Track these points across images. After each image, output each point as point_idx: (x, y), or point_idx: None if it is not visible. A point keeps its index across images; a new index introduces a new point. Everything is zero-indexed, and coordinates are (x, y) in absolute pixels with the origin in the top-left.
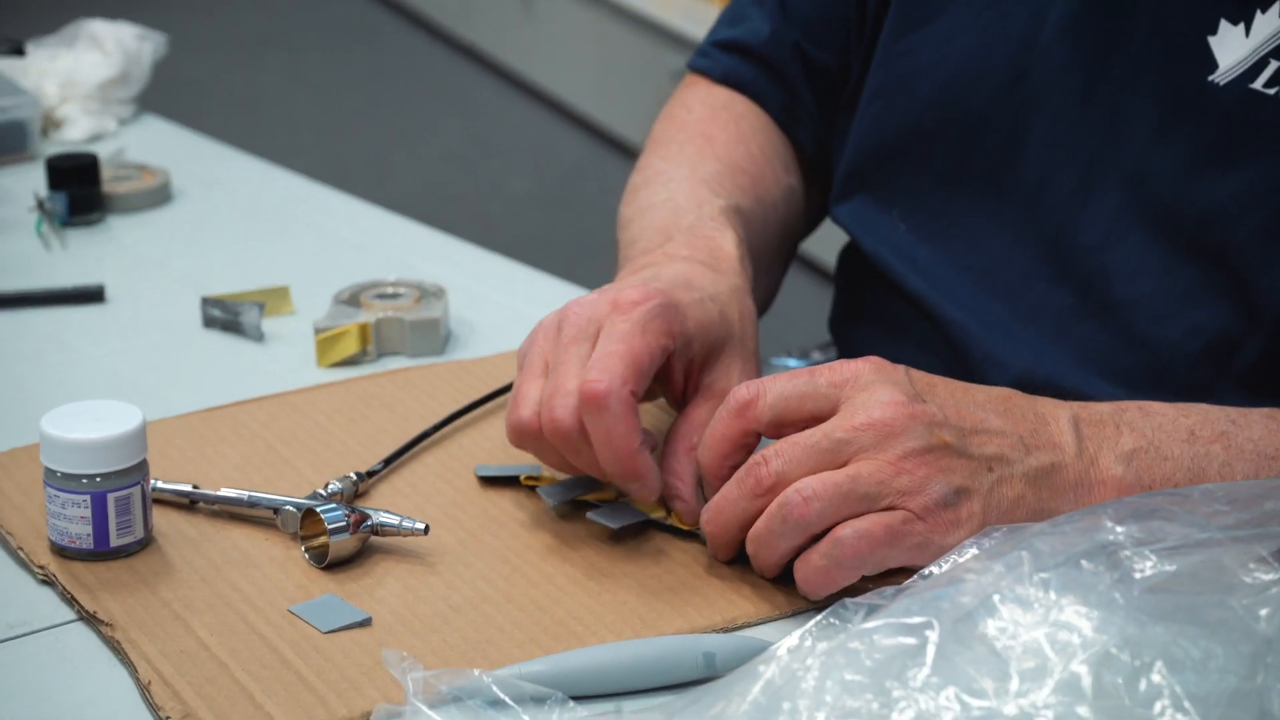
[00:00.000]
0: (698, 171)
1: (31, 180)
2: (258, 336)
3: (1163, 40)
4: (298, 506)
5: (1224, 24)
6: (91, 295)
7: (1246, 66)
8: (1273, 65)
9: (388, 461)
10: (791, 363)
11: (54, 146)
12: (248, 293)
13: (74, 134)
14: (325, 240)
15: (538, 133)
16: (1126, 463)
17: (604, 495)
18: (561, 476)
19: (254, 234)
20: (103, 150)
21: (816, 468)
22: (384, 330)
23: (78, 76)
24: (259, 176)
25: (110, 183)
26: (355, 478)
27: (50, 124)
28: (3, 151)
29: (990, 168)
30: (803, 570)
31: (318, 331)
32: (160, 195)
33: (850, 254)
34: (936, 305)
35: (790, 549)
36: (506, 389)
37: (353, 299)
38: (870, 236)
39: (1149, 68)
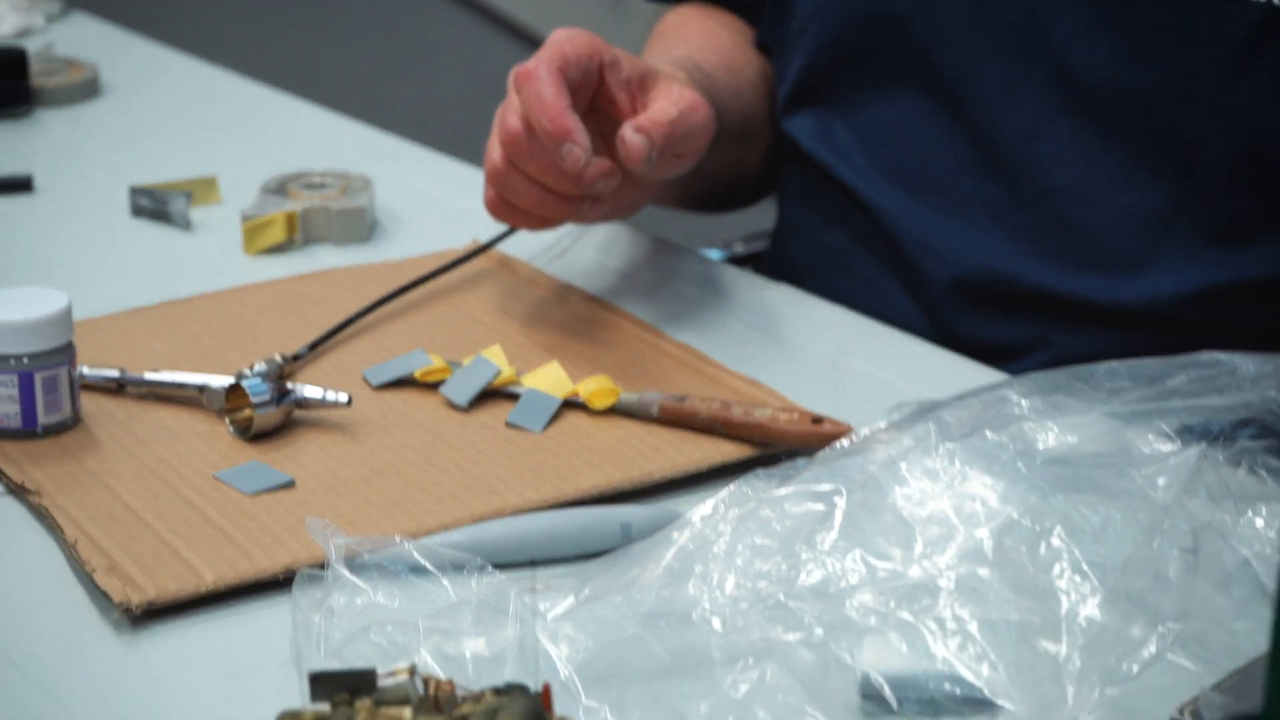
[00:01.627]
0: (666, 55)
1: None
2: (185, 225)
3: None
4: (223, 385)
5: None
6: (19, 185)
7: None
8: None
9: (312, 346)
10: (713, 254)
11: None
12: (176, 182)
13: (1, 29)
14: (254, 134)
15: (469, 38)
16: None
17: (507, 378)
18: (443, 365)
19: (182, 127)
20: (30, 46)
21: None
22: (310, 219)
23: None
24: (188, 72)
25: (38, 76)
26: (280, 360)
27: None
28: None
29: (920, 68)
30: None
31: (245, 219)
32: (88, 89)
33: (793, 154)
34: (872, 199)
35: None
36: (426, 278)
37: (280, 189)
38: (812, 140)
39: None
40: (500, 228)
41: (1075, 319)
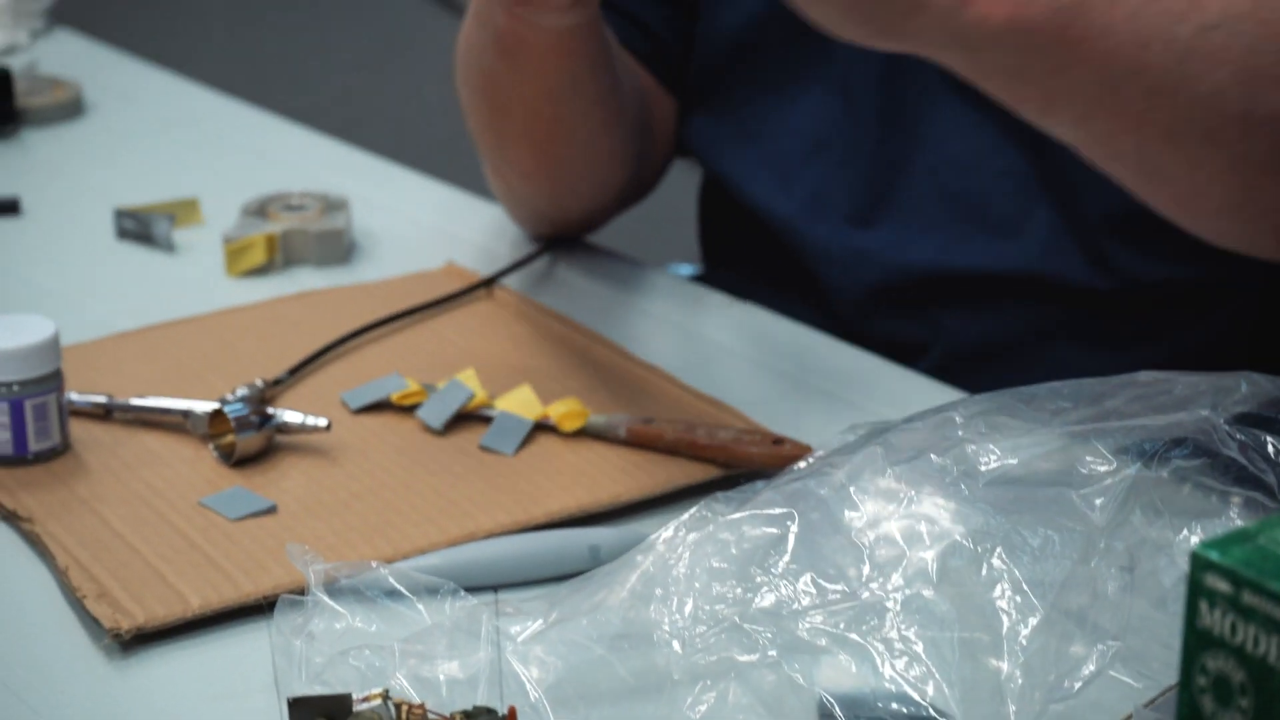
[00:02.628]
0: None
1: None
2: (169, 247)
3: None
4: (206, 410)
5: None
6: (6, 207)
7: None
8: None
9: (292, 371)
10: (683, 269)
11: None
12: (159, 204)
13: None
14: (234, 152)
15: (448, 42)
16: None
17: (481, 401)
18: (418, 388)
19: (165, 146)
20: (15, 63)
21: None
22: (290, 240)
23: None
24: (170, 89)
25: (24, 96)
26: (261, 385)
27: None
28: None
29: (811, 60)
30: None
31: (226, 242)
32: (73, 108)
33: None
34: (767, 206)
35: None
36: (402, 314)
37: (260, 210)
38: (705, 143)
39: None
40: (484, 260)
41: (969, 294)
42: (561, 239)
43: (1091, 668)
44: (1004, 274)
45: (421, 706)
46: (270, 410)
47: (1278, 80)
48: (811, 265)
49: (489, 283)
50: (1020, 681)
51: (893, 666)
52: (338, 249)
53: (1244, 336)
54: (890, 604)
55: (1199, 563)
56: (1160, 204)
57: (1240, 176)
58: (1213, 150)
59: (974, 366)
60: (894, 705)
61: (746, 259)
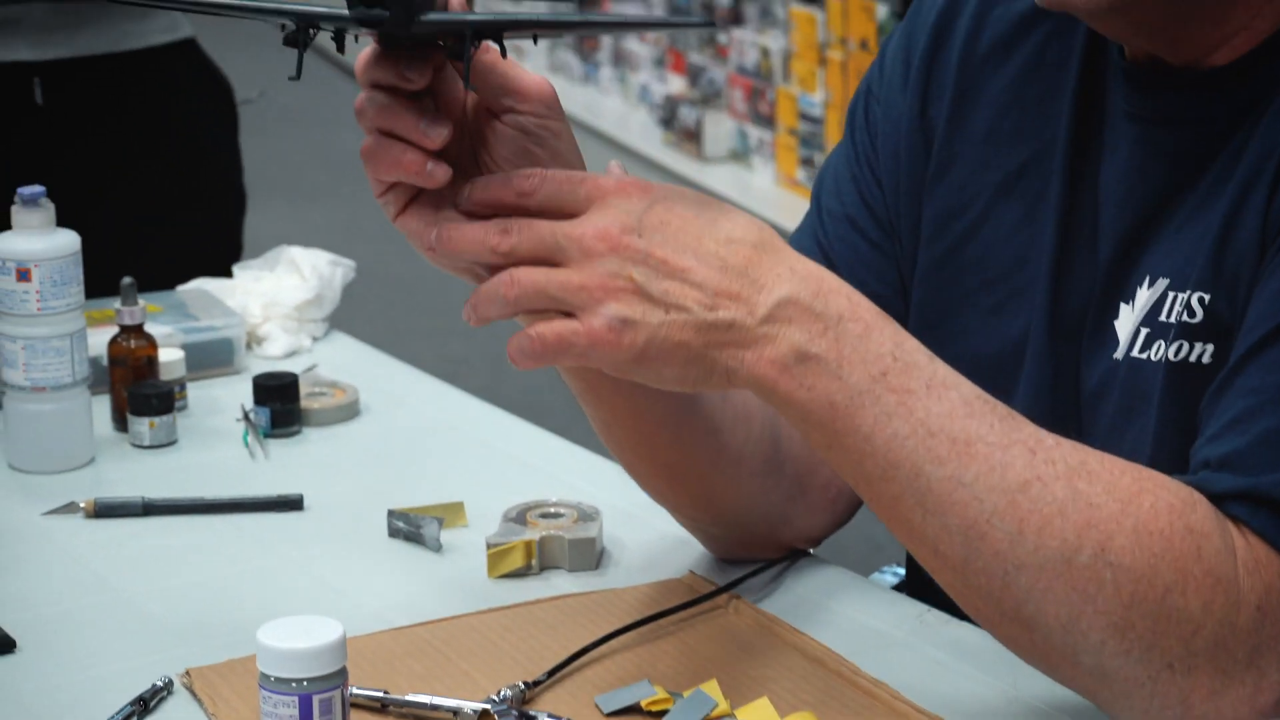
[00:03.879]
0: None
1: (237, 393)
2: (436, 548)
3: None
4: (475, 710)
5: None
6: (292, 504)
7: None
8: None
9: (551, 673)
10: (889, 575)
11: (256, 361)
12: (428, 507)
13: (273, 350)
14: (496, 458)
15: None
16: (800, 360)
17: (723, 711)
18: (665, 695)
19: (433, 449)
20: (298, 365)
21: (537, 255)
22: (546, 546)
23: (278, 298)
24: (438, 394)
25: (306, 399)
26: (522, 686)
27: (253, 340)
28: (213, 365)
29: None
30: (510, 345)
31: (489, 546)
32: (349, 411)
33: None
34: None
35: (499, 315)
36: (649, 619)
37: (520, 517)
38: None
39: None
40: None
41: None
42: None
43: None
44: None
45: None
46: (531, 712)
47: (996, 551)
48: None
49: (726, 589)
50: None
51: None
52: (590, 556)
53: None
54: None
55: None
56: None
57: (964, 597)
58: (940, 564)
59: None
60: None
61: None
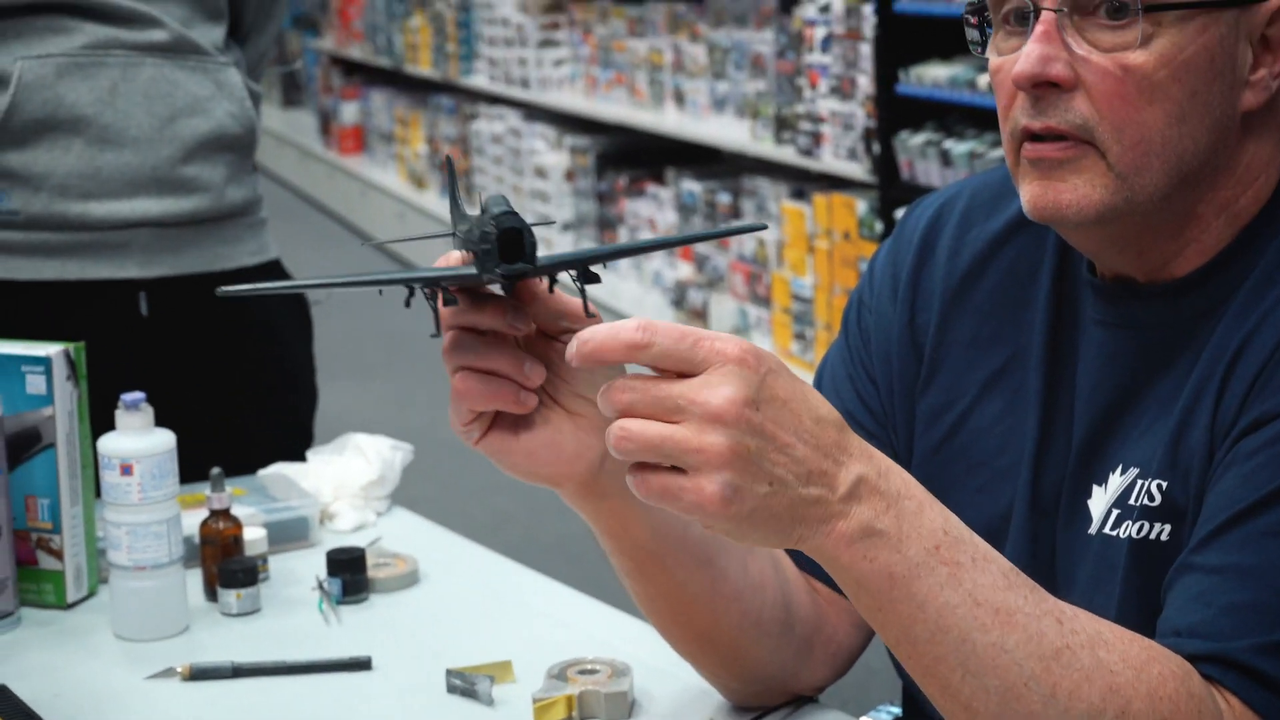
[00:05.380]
0: None
1: (313, 564)
2: (489, 702)
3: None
4: None
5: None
6: (361, 665)
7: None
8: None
9: None
10: (885, 714)
11: (329, 535)
12: (481, 666)
13: (343, 525)
14: (536, 617)
15: None
16: (865, 536)
17: None
18: None
19: (484, 611)
20: (364, 538)
21: (654, 413)
22: (585, 700)
23: (346, 479)
24: (485, 560)
25: (372, 569)
26: None
27: (325, 517)
28: (291, 540)
29: None
30: (630, 480)
31: (535, 701)
32: (410, 579)
33: None
34: None
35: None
36: None
37: (561, 673)
38: None
39: None
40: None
41: None
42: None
43: None
44: None
45: None
46: None
47: (1030, 711)
48: None
49: None
50: None
51: None
52: (623, 707)
53: None
54: None
55: None
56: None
57: None
58: (969, 717)
59: None
60: None
61: None
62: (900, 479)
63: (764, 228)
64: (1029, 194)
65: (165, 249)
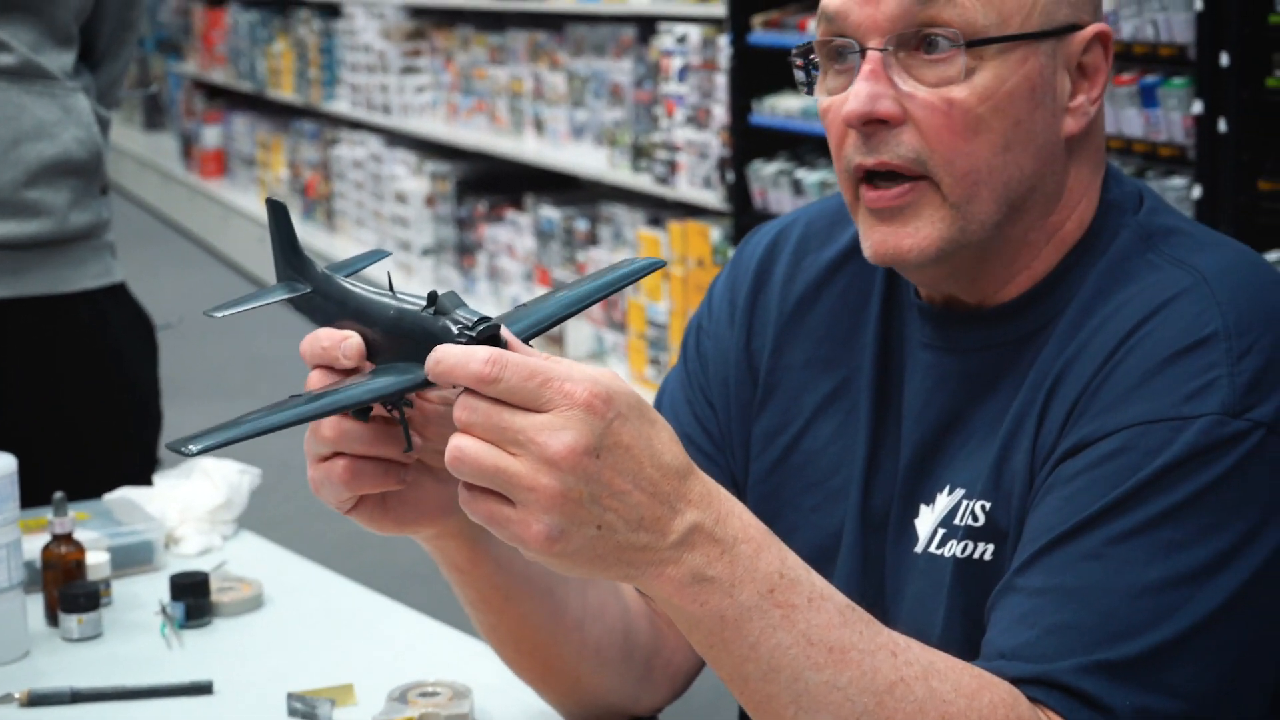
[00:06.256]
0: None
1: (155, 589)
2: None
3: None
4: None
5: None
6: (203, 689)
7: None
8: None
9: None
10: None
11: (173, 559)
12: (322, 689)
13: (188, 549)
14: (378, 641)
15: None
16: (696, 581)
17: None
18: None
19: (327, 634)
20: (210, 562)
21: (493, 440)
22: None
23: (193, 503)
24: (329, 584)
25: (217, 593)
26: None
27: (170, 540)
28: (135, 564)
29: None
30: (461, 497)
31: None
32: (254, 603)
33: None
34: None
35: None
36: None
37: (402, 696)
38: None
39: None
40: None
41: None
42: None
43: None
44: None
45: None
46: None
47: None
48: None
49: None
50: None
51: None
52: None
53: None
54: None
55: None
56: None
57: None
58: None
59: None
60: None
61: None
62: (739, 523)
63: (663, 264)
64: (871, 241)
65: (7, 271)
